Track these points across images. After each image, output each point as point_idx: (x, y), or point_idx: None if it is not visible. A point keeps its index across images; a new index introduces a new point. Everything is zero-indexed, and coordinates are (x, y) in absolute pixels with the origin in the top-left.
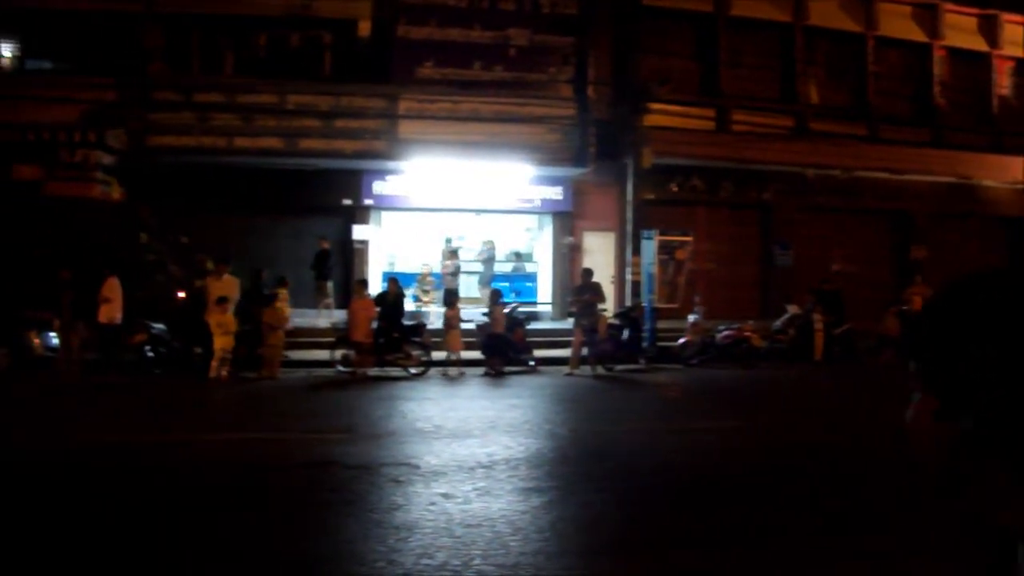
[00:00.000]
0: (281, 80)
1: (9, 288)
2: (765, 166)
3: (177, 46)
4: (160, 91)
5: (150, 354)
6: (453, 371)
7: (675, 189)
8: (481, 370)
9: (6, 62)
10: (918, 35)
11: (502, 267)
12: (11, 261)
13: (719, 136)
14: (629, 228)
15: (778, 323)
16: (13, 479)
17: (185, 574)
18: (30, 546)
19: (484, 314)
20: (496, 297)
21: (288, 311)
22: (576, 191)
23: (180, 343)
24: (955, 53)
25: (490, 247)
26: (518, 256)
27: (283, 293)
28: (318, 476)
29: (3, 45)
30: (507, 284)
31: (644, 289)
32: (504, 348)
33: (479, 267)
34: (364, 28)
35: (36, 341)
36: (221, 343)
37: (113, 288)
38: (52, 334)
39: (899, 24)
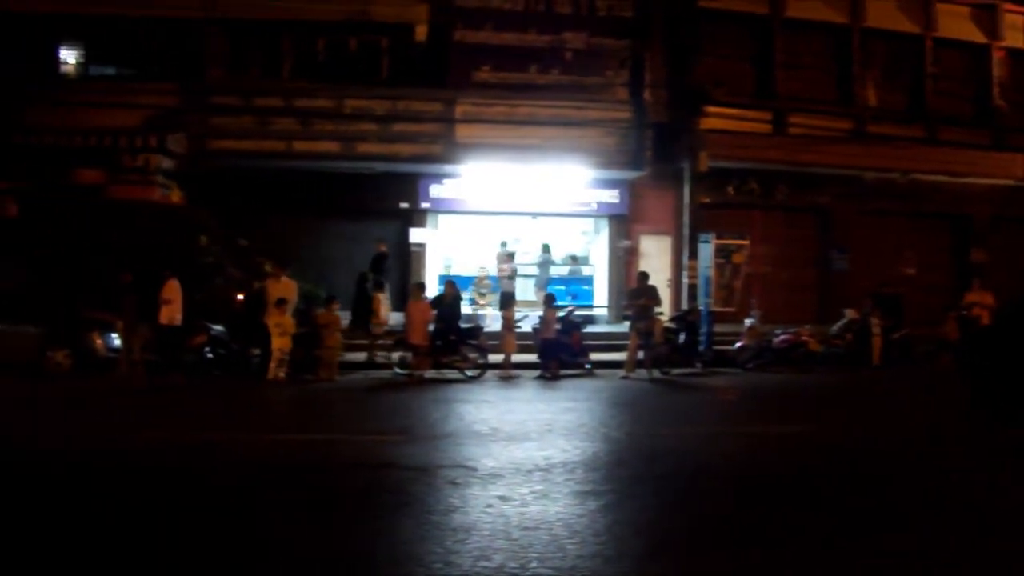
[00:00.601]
0: (339, 84)
1: (71, 290)
2: (822, 169)
3: (237, 51)
4: (220, 96)
5: (209, 356)
6: (509, 374)
7: (731, 192)
8: (537, 373)
9: (71, 69)
10: (977, 36)
11: (558, 270)
12: (73, 263)
13: (775, 139)
14: (686, 231)
15: (835, 327)
16: (89, 476)
17: (245, 571)
18: (104, 539)
19: (538, 317)
20: (549, 301)
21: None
22: (632, 194)
23: (239, 345)
24: (1015, 54)
25: (546, 250)
26: (574, 259)
27: (334, 306)
28: (376, 477)
29: (68, 52)
30: (563, 287)
31: (700, 293)
32: (559, 351)
33: (535, 270)
34: (421, 33)
35: (98, 343)
36: (278, 344)
37: (173, 290)
38: (114, 336)
39: (957, 25)
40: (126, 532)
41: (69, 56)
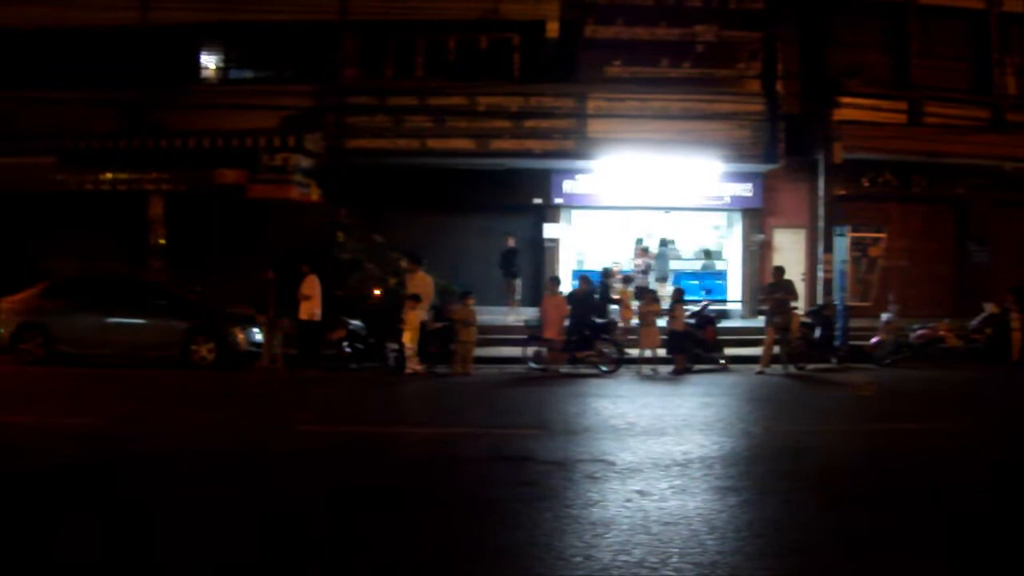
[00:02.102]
0: (471, 82)
1: (215, 286)
2: (959, 160)
3: (371, 52)
4: (355, 96)
5: (347, 350)
6: (646, 368)
7: (866, 184)
8: (673, 368)
9: (211, 74)
10: None
11: (691, 265)
12: (216, 260)
13: (911, 129)
14: (820, 224)
15: (974, 322)
16: (245, 465)
17: (389, 559)
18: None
19: (666, 310)
20: (678, 295)
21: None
22: (766, 187)
23: (376, 339)
24: None
25: (663, 244)
26: (707, 254)
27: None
28: (514, 471)
29: (208, 58)
30: (697, 282)
31: (836, 287)
32: (688, 346)
33: (670, 265)
34: (552, 29)
35: (240, 337)
36: (406, 338)
37: (313, 286)
38: (255, 330)
39: None
40: (293, 523)
41: (209, 61)
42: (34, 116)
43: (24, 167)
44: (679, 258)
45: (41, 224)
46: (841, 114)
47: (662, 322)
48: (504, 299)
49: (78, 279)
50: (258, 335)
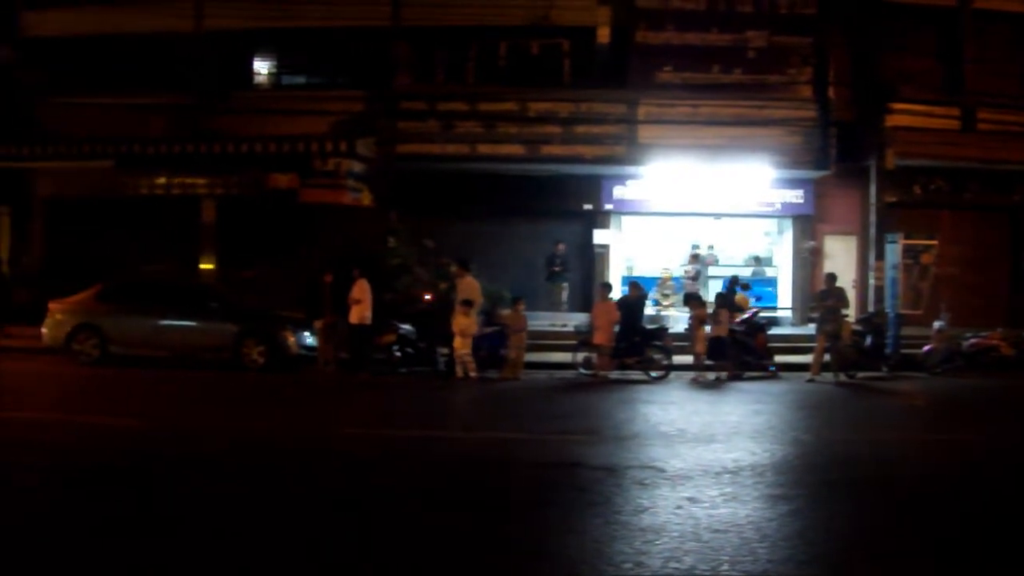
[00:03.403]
0: (522, 88)
1: (267, 289)
2: (1013, 166)
3: (422, 58)
4: (407, 101)
5: (397, 354)
6: (698, 375)
7: (918, 191)
8: (724, 375)
9: (264, 79)
10: None
11: (741, 271)
12: (267, 264)
13: (964, 136)
14: (872, 232)
15: None
16: (301, 465)
17: (442, 561)
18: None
19: (710, 315)
20: (722, 301)
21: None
22: (817, 194)
23: (426, 344)
24: None
25: (703, 250)
26: (757, 260)
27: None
28: (564, 476)
29: (262, 64)
30: (747, 288)
31: (887, 294)
32: (736, 352)
33: (720, 271)
34: (603, 35)
35: (291, 340)
36: (458, 343)
37: (364, 290)
38: (306, 333)
39: None
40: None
41: (263, 67)
42: (92, 122)
43: (82, 172)
44: (717, 263)
45: (98, 227)
46: (893, 120)
47: (680, 329)
48: (553, 305)
49: (132, 282)
50: (309, 338)
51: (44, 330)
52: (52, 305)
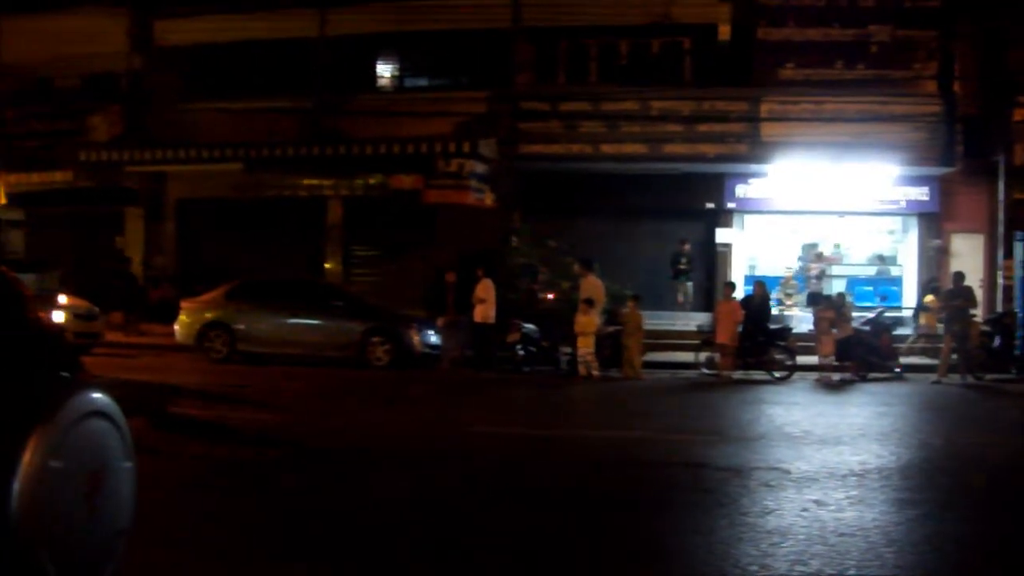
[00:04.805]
0: (644, 86)
1: (391, 289)
2: None
3: (543, 58)
4: (528, 102)
5: (521, 353)
6: (822, 376)
7: None
8: (848, 375)
9: (387, 82)
10: None
11: (865, 271)
12: (392, 264)
13: None
14: (1000, 229)
15: None
16: (425, 462)
17: (573, 557)
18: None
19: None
20: (842, 300)
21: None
22: (943, 191)
23: (549, 343)
24: None
25: (826, 248)
26: (881, 259)
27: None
28: (690, 476)
29: (385, 66)
30: (871, 288)
31: (1016, 294)
32: (862, 353)
33: (844, 271)
34: (724, 32)
35: (416, 339)
36: (581, 343)
37: (487, 289)
38: (430, 332)
39: None
40: (470, 520)
41: (386, 70)
42: (221, 126)
43: (212, 174)
44: (841, 262)
45: (227, 228)
46: (1022, 114)
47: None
48: (676, 304)
49: (260, 281)
50: (433, 337)
51: (176, 328)
52: (184, 304)
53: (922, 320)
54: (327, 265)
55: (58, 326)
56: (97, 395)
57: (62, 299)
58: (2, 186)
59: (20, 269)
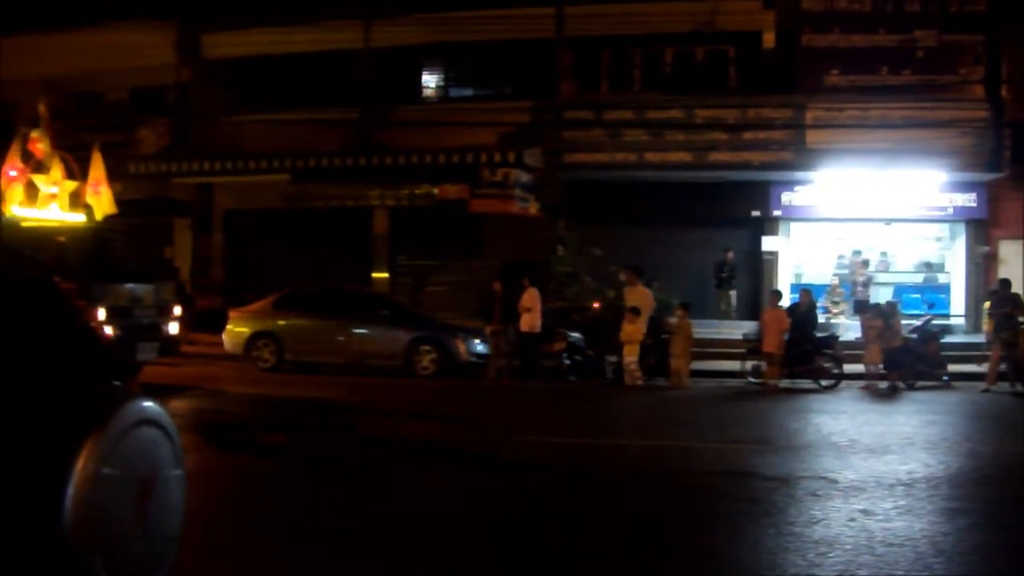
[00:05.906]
0: (688, 95)
1: (438, 298)
2: None
3: (587, 67)
4: (572, 111)
5: (567, 362)
6: (869, 384)
7: None
8: (897, 383)
9: (432, 92)
10: None
11: (912, 278)
12: (437, 273)
13: None
14: None
15: None
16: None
17: (621, 566)
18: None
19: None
20: (892, 308)
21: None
22: (990, 197)
23: (595, 352)
24: None
25: (873, 255)
26: (928, 266)
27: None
28: (737, 485)
29: (430, 77)
30: (918, 296)
31: None
32: (909, 361)
33: (891, 278)
34: (768, 39)
35: (462, 348)
36: (626, 351)
37: (533, 298)
38: (476, 341)
39: None
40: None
41: (430, 80)
42: (268, 138)
43: (259, 185)
44: (888, 270)
45: (274, 239)
46: None
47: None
48: (722, 313)
49: (307, 290)
50: (479, 346)
51: (225, 337)
52: (232, 313)
53: (985, 327)
54: (374, 275)
55: (109, 337)
56: (148, 404)
57: (177, 311)
58: (111, 195)
59: (138, 279)
